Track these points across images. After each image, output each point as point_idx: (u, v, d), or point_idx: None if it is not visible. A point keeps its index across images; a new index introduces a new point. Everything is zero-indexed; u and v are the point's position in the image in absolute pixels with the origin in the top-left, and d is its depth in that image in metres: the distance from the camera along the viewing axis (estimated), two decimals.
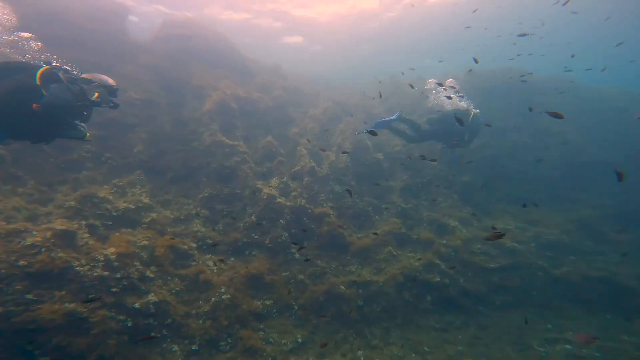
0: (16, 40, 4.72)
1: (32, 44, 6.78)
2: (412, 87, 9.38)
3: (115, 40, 9.60)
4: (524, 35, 9.32)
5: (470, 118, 7.50)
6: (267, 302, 5.56)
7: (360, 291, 6.45)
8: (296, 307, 5.77)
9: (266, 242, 6.61)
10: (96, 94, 4.10)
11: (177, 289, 5.03)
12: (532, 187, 10.45)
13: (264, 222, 6.84)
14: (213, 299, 4.99)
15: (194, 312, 4.83)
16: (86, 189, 6.00)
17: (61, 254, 4.35)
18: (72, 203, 5.52)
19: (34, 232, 4.48)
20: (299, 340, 5.16)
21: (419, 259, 7.11)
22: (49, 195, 6.33)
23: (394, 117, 7.69)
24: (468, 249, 7.68)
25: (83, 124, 4.03)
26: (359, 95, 13.46)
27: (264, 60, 13.87)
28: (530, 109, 6.43)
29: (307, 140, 7.52)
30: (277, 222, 6.82)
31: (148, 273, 4.89)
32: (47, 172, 6.81)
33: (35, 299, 3.98)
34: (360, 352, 5.44)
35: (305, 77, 14.48)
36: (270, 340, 4.96)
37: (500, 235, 3.57)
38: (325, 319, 5.85)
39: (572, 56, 14.94)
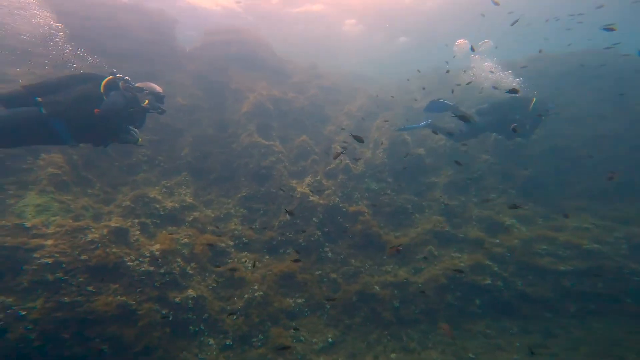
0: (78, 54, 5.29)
1: (90, 58, 7.54)
2: (447, 71, 8.84)
3: (164, 50, 10.34)
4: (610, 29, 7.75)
5: (532, 105, 6.85)
6: (299, 301, 5.69)
7: (396, 292, 6.31)
8: (328, 307, 5.82)
9: (300, 240, 6.74)
10: (146, 100, 4.47)
11: (214, 285, 5.36)
12: (619, 182, 9.04)
13: (298, 221, 6.98)
14: (246, 296, 5.24)
15: (228, 307, 5.11)
16: (139, 189, 6.60)
17: (115, 250, 4.86)
18: (127, 203, 6.12)
19: (93, 229, 5.07)
20: (330, 340, 5.21)
21: (466, 260, 6.72)
22: (112, 195, 7.07)
23: (422, 124, 7.37)
24: (529, 249, 6.89)
25: (136, 130, 4.40)
26: (401, 89, 13.06)
27: (324, 56, 14.02)
28: (621, 94, 5.61)
29: (342, 128, 7.45)
30: (310, 220, 6.91)
31: (188, 269, 5.27)
32: (112, 175, 7.58)
33: (94, 290, 4.51)
34: (394, 355, 5.34)
35: (344, 73, 14.36)
36: (301, 338, 5.08)
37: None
38: (359, 320, 5.84)
39: None
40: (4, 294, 4.37)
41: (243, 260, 6.08)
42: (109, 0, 10.58)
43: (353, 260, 6.71)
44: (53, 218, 5.65)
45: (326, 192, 7.38)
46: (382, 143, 9.15)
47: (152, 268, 4.87)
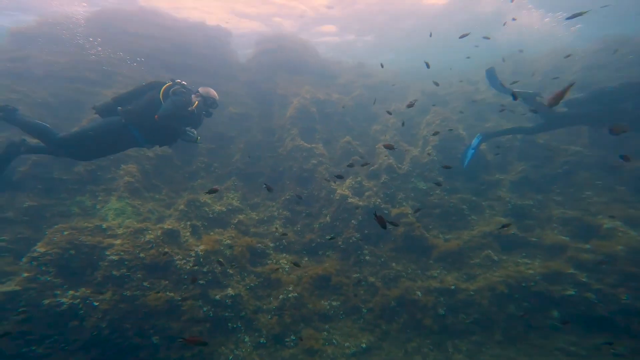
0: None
1: (162, 74, 8.34)
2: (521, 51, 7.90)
3: (220, 62, 11.15)
4: None
5: None
6: (334, 303, 5.68)
7: (442, 299, 5.92)
8: (365, 311, 5.71)
9: (339, 243, 6.73)
10: (195, 103, 4.95)
11: (252, 284, 5.65)
12: None
13: (337, 223, 6.97)
14: (281, 297, 5.42)
15: (264, 307, 5.35)
16: (193, 194, 7.28)
17: (166, 249, 5.46)
18: (182, 207, 6.81)
19: (150, 231, 5.76)
20: (363, 345, 5.11)
21: (537, 267, 5.98)
22: (174, 200, 7.92)
23: (475, 142, 6.79)
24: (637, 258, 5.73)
25: (193, 130, 4.86)
26: (461, 82, 12.13)
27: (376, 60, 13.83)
28: None
29: (389, 112, 7.18)
30: (349, 222, 6.85)
31: (229, 269, 5.65)
32: (176, 181, 8.47)
33: (148, 286, 5.13)
34: None
35: (394, 70, 13.84)
36: (334, 341, 5.08)
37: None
38: (397, 326, 5.62)
39: None
40: (84, 286, 5.18)
41: (281, 261, 6.29)
42: (179, 22, 11.80)
43: (394, 264, 6.47)
44: (127, 220, 6.55)
45: (367, 193, 7.23)
46: (431, 140, 8.64)
47: (196, 267, 5.34)
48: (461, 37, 7.27)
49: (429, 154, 8.40)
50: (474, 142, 7.95)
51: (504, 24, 12.94)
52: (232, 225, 6.79)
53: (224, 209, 7.08)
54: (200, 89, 5.14)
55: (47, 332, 4.58)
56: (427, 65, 6.55)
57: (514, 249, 6.85)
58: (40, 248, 5.22)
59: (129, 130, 4.71)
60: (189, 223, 6.40)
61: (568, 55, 8.84)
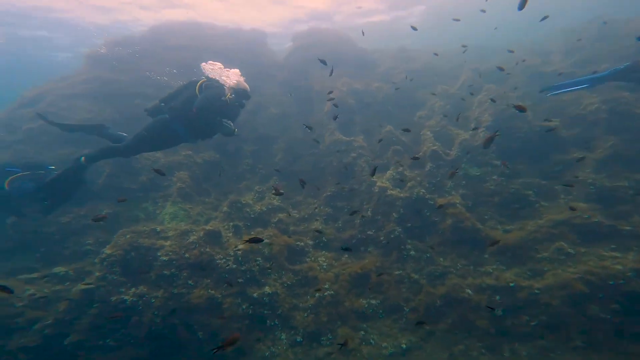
0: None
1: None
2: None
3: (258, 64, 11.50)
4: None
5: None
6: (373, 302, 5.53)
7: (497, 297, 5.39)
8: (407, 310, 5.46)
9: (380, 237, 6.52)
10: (228, 94, 5.30)
11: (289, 282, 5.77)
12: None
13: (379, 217, 6.76)
14: (317, 294, 5.44)
15: (301, 305, 5.43)
16: (235, 196, 7.69)
17: (208, 249, 5.88)
18: (225, 208, 7.25)
19: (194, 232, 6.25)
20: (403, 345, 4.89)
21: (630, 262, 5.12)
22: (221, 202, 8.49)
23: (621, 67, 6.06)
24: None
25: (229, 122, 5.23)
26: (526, 54, 10.89)
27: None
28: None
29: (433, 94, 6.75)
30: (390, 216, 6.59)
31: (267, 267, 5.86)
32: (223, 184, 9.07)
33: (193, 284, 5.58)
34: None
35: (440, 51, 12.87)
36: (371, 341, 4.95)
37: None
38: (444, 326, 5.25)
39: None
40: (143, 284, 5.83)
41: (320, 259, 6.31)
42: (218, 29, 12.53)
43: (441, 259, 6.07)
44: (180, 224, 7.20)
45: (409, 184, 6.87)
46: (485, 120, 7.88)
47: (235, 266, 5.64)
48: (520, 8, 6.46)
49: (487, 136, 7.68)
50: (581, 80, 6.90)
51: None
52: (273, 224, 7.01)
53: (264, 208, 7.35)
54: (234, 84, 5.50)
55: (115, 326, 5.25)
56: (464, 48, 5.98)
57: (598, 240, 5.93)
58: (107, 250, 5.99)
59: (173, 125, 5.28)
60: (231, 224, 6.79)
61: None
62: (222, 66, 5.88)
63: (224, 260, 5.75)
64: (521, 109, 4.64)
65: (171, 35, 11.56)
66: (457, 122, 8.56)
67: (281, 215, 7.27)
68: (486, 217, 6.81)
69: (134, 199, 7.93)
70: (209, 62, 5.84)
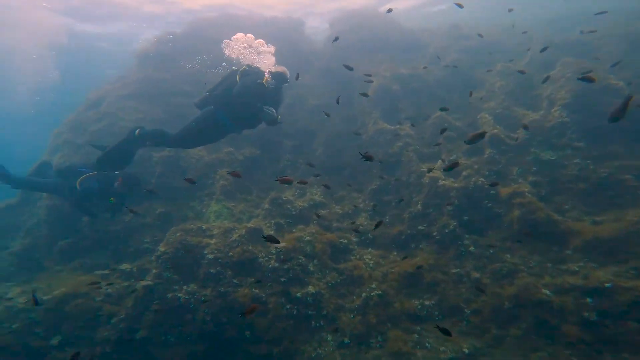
0: None
1: None
2: None
3: (296, 53, 11.33)
4: None
5: None
6: (427, 303, 5.13)
7: (589, 300, 4.69)
8: (468, 312, 4.99)
9: (433, 233, 6.07)
10: (265, 77, 5.34)
11: (334, 282, 5.57)
12: None
13: (430, 210, 6.30)
14: (364, 295, 5.19)
15: (347, 305, 5.21)
16: (276, 192, 7.67)
17: (250, 248, 5.89)
18: (267, 205, 7.26)
19: (237, 230, 6.31)
20: (465, 350, 4.45)
21: None
22: (263, 200, 8.54)
23: None
24: None
25: (271, 109, 5.27)
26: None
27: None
28: None
29: (489, 70, 6.11)
30: (443, 208, 6.11)
31: (310, 266, 5.72)
32: (264, 181, 9.11)
33: (237, 282, 5.62)
34: None
35: (501, 25, 11.75)
36: (426, 345, 4.58)
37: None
38: (517, 331, 4.71)
39: None
40: (193, 282, 6.01)
41: (366, 257, 6.04)
42: (254, 19, 12.58)
43: (508, 256, 5.48)
44: (224, 222, 7.36)
45: (464, 172, 6.32)
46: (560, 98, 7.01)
47: (277, 264, 5.59)
48: None
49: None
50: None
51: None
52: (315, 221, 6.87)
53: (305, 204, 7.24)
54: (273, 69, 5.62)
55: (172, 323, 5.46)
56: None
57: None
58: (161, 248, 6.28)
59: (218, 115, 5.48)
60: (272, 221, 6.77)
61: None
62: (248, 40, 6.00)
63: (266, 258, 5.73)
64: (589, 80, 4.00)
65: (210, 28, 11.77)
66: (523, 102, 7.76)
67: (323, 212, 7.11)
68: (566, 207, 6.03)
69: (182, 198, 8.28)
70: (232, 37, 5.94)
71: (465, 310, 5.00)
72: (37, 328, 5.53)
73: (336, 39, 7.10)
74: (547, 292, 4.84)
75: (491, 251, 5.54)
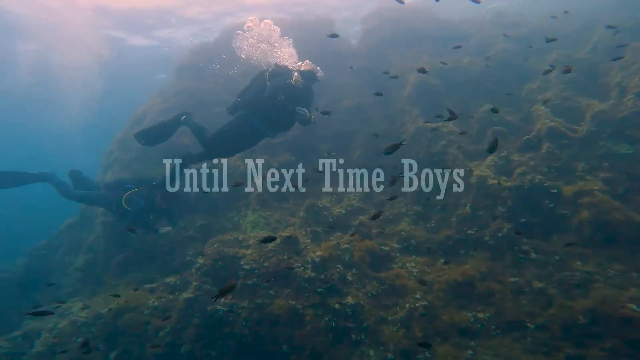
0: None
1: None
2: None
3: (328, 54, 11.24)
4: None
5: None
6: (481, 315, 4.67)
7: None
8: (532, 327, 4.46)
9: (485, 237, 5.60)
10: (295, 76, 5.34)
11: (374, 292, 5.29)
12: None
13: (480, 213, 5.83)
14: (407, 306, 4.86)
15: (389, 317, 4.90)
16: (311, 199, 7.57)
17: (286, 257, 5.81)
18: (302, 213, 7.18)
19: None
20: None
21: None
22: (299, 207, 8.41)
23: None
24: None
25: (304, 109, 5.28)
26: None
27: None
28: None
29: (551, 66, 5.60)
30: (495, 210, 5.62)
31: (348, 276, 5.49)
32: (306, 189, 9.07)
33: (274, 294, 5.54)
34: None
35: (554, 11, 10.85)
36: None
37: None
38: (597, 352, 4.11)
39: None
40: (231, 295, 6.05)
41: (409, 264, 5.70)
42: (287, 22, 12.70)
43: (579, 264, 4.88)
44: (260, 232, 7.40)
45: (518, 170, 5.79)
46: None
47: (314, 274, 5.44)
48: None
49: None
50: None
51: None
52: (353, 227, 6.66)
53: (343, 211, 7.06)
54: (305, 67, 5.67)
55: (213, 337, 5.50)
56: None
57: None
58: (200, 260, 6.44)
59: (250, 118, 5.53)
60: (308, 229, 6.66)
61: None
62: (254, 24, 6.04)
63: (302, 268, 5.61)
64: None
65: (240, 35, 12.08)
66: (587, 92, 7.10)
67: (362, 218, 6.87)
68: None
69: (221, 209, 8.47)
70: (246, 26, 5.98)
71: (529, 324, 4.48)
72: (97, 342, 5.85)
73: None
74: (634, 307, 4.20)
75: (557, 258, 4.96)
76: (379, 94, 6.10)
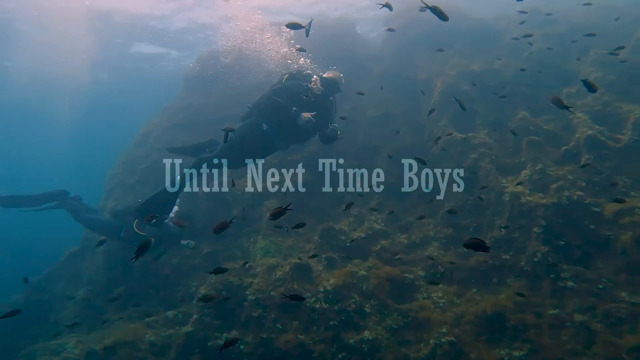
0: None
1: None
2: None
3: (349, 58, 11.56)
4: None
5: None
6: (516, 353, 4.80)
7: None
8: None
9: (521, 263, 5.75)
10: (312, 83, 5.74)
11: (395, 326, 5.52)
12: None
13: (515, 235, 6.00)
14: (432, 342, 5.06)
15: (412, 355, 5.10)
16: (327, 223, 7.90)
17: (295, 286, 6.16)
18: (316, 238, 7.52)
19: (281, 266, 6.63)
20: None
21: None
22: (315, 232, 8.74)
23: None
24: None
25: (309, 116, 5.57)
26: None
27: None
28: None
29: (578, 59, 5.81)
30: (530, 231, 5.78)
31: (366, 307, 5.75)
32: (320, 210, 9.39)
33: (281, 327, 5.88)
34: None
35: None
36: None
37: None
38: None
39: None
40: (235, 328, 6.43)
41: (435, 294, 5.90)
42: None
43: (625, 294, 4.95)
44: (271, 259, 7.79)
45: (554, 185, 5.95)
46: None
47: (326, 305, 5.76)
48: None
49: None
50: None
51: None
52: (374, 252, 6.94)
53: (362, 234, 7.36)
54: (327, 74, 6.13)
55: None
56: None
57: None
58: (202, 290, 6.91)
59: (259, 123, 5.91)
60: (323, 255, 7.00)
61: None
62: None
63: (314, 298, 5.94)
64: None
65: (251, 42, 12.66)
66: (631, 97, 7.21)
67: (384, 242, 7.14)
68: None
69: (230, 235, 8.95)
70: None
71: None
72: None
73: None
74: None
75: (601, 287, 5.06)
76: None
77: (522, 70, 8.02)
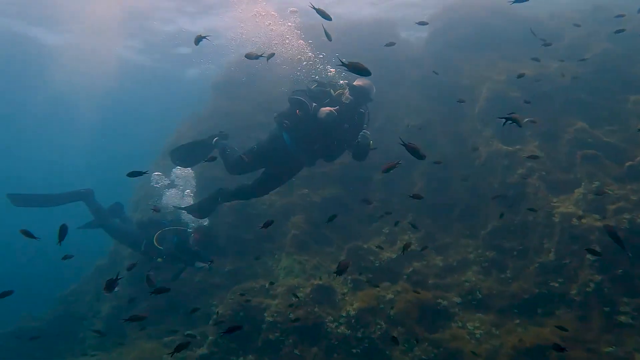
0: None
1: None
2: None
3: (387, 61, 11.46)
4: None
5: None
6: None
7: None
8: None
9: (572, 292, 5.63)
10: (339, 90, 5.85)
11: (425, 357, 5.53)
12: None
13: (567, 261, 5.89)
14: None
15: None
16: (354, 242, 8.01)
17: (316, 309, 6.30)
18: (343, 257, 7.64)
19: (302, 288, 6.80)
20: None
21: None
22: (343, 251, 8.87)
23: None
24: None
25: (332, 110, 5.37)
26: None
27: None
28: None
29: None
30: (583, 257, 5.67)
31: (393, 334, 5.81)
32: (350, 228, 9.54)
33: (299, 354, 6.02)
34: None
35: None
36: None
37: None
38: None
39: None
40: (251, 353, 6.65)
41: (471, 324, 5.87)
42: (341, 26, 13.51)
43: None
44: (294, 279, 7.99)
45: (613, 206, 5.82)
46: None
47: (348, 331, 5.86)
48: None
49: None
50: None
51: None
52: (405, 276, 6.98)
53: (393, 255, 7.42)
54: (356, 82, 6.02)
55: None
56: None
57: None
58: (219, 310, 7.20)
59: (280, 135, 5.92)
60: (349, 277, 7.11)
61: None
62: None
63: (335, 324, 6.06)
64: None
65: (283, 45, 13.06)
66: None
67: (417, 265, 7.16)
68: None
69: (253, 251, 9.24)
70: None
71: None
72: None
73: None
74: None
75: None
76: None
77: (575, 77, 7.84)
